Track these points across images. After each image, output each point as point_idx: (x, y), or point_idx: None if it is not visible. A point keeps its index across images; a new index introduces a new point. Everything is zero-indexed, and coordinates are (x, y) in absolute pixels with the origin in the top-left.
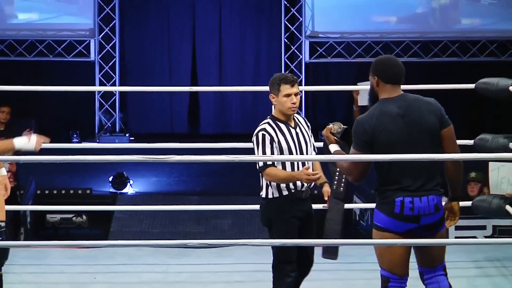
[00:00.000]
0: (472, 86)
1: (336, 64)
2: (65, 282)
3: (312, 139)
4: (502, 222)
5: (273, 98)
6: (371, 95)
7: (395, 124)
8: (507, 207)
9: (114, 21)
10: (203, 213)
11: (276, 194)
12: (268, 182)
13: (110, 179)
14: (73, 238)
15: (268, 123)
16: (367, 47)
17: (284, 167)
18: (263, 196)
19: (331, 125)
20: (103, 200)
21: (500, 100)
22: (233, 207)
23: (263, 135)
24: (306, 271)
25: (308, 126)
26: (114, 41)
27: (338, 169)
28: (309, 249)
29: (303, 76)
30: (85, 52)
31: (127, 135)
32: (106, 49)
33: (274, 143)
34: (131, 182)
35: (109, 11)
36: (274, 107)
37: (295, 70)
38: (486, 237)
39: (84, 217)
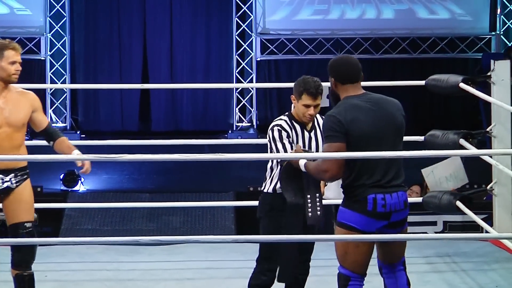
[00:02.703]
0: (422, 82)
1: (287, 61)
2: None
3: None
4: (453, 218)
5: (294, 100)
6: (333, 95)
7: (367, 117)
8: (457, 202)
9: (65, 18)
10: (155, 210)
11: (270, 190)
12: (270, 177)
13: (61, 176)
14: None
15: (285, 121)
16: (318, 44)
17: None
18: (262, 189)
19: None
20: (54, 198)
21: (450, 96)
22: (184, 204)
23: (279, 131)
24: (302, 269)
25: None
26: (64, 38)
27: (308, 195)
28: (304, 247)
29: (254, 73)
30: (35, 50)
31: (78, 132)
32: (57, 46)
33: (289, 138)
34: (82, 179)
35: (60, 9)
36: (294, 106)
37: (247, 67)
38: (436, 232)
39: (34, 214)
